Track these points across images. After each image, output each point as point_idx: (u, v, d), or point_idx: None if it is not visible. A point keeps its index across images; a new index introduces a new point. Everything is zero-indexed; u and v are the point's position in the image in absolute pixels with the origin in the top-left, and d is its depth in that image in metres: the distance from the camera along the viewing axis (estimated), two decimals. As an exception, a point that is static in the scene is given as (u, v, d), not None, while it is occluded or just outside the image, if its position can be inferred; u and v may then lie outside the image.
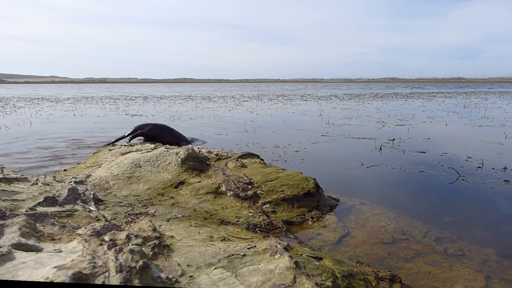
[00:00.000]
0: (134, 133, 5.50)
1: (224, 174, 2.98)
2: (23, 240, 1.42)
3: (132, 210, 2.34)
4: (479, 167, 4.04)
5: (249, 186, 2.79)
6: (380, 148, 5.24)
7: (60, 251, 1.38)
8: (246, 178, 2.93)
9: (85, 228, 1.53)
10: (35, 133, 6.84)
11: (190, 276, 1.30)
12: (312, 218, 2.53)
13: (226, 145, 5.57)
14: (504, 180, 3.52)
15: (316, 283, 1.27)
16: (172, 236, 1.77)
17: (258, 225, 2.28)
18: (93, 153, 4.33)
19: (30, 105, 15.11)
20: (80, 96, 24.77)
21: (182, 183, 2.88)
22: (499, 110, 11.77)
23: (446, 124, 8.15)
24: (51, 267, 1.19)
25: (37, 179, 2.58)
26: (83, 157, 4.50)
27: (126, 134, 5.55)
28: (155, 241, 1.51)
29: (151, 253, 1.42)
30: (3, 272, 1.18)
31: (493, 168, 3.98)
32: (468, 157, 4.56)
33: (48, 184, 2.50)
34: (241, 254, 1.49)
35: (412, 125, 7.90)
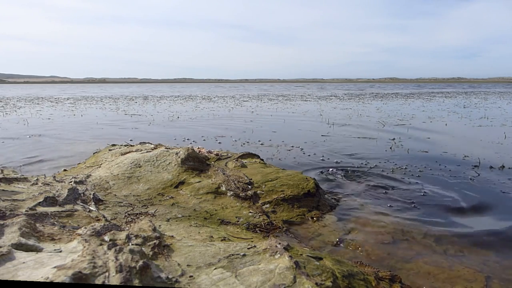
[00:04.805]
0: None
1: (224, 174, 2.98)
2: (23, 240, 1.42)
3: (132, 210, 2.34)
4: (477, 166, 4.04)
5: (249, 186, 2.79)
6: (391, 147, 5.26)
7: (60, 251, 1.38)
8: (246, 178, 2.93)
9: (85, 228, 1.53)
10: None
11: (190, 276, 1.30)
12: (312, 218, 2.53)
13: (226, 145, 5.57)
14: (508, 179, 3.53)
15: (316, 283, 1.27)
16: (172, 236, 1.77)
17: (258, 225, 2.28)
18: (93, 153, 4.32)
19: (30, 105, 15.11)
20: (80, 96, 24.78)
21: (182, 183, 2.88)
22: (499, 110, 11.76)
23: (446, 124, 8.15)
24: (51, 267, 1.19)
25: (37, 179, 2.58)
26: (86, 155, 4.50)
27: None
28: (155, 241, 1.51)
29: (151, 253, 1.42)
30: (3, 272, 1.18)
31: (492, 167, 3.99)
32: (465, 156, 4.56)
33: (48, 184, 2.50)
34: (241, 254, 1.49)
35: (412, 125, 7.90)
